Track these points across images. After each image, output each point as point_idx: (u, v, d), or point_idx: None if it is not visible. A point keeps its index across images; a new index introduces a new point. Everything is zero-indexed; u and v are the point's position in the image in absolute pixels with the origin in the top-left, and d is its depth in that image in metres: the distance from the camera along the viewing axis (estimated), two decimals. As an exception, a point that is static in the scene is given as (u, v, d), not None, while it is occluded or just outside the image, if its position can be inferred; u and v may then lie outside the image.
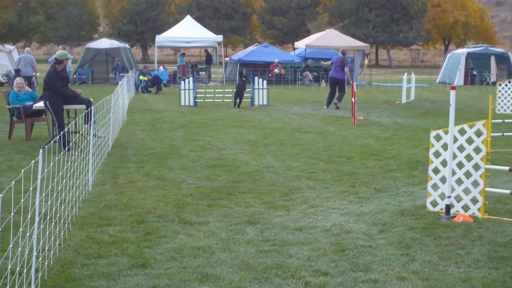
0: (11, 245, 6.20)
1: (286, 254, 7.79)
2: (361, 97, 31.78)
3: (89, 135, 11.81)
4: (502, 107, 25.67)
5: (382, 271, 7.26)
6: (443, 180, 9.79)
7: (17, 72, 29.39)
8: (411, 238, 8.46)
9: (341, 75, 27.09)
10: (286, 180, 12.07)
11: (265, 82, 28.43)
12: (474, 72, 47.43)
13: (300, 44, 48.10)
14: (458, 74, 46.91)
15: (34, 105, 16.50)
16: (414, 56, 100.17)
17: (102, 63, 44.68)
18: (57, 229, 7.96)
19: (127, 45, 45.75)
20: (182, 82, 28.45)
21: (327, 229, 8.85)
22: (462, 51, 49.27)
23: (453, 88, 9.64)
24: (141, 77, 36.58)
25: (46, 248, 7.27)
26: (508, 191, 10.01)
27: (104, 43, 44.74)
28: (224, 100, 28.70)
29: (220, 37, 45.89)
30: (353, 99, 21.29)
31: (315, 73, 45.78)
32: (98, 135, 14.02)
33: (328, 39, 45.96)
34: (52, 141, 14.55)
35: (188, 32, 44.88)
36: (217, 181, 11.97)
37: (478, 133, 9.59)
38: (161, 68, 43.27)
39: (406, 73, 32.56)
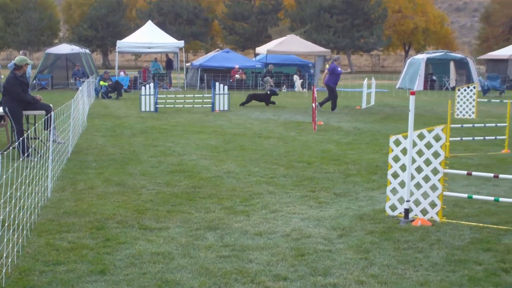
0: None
1: (246, 259, 7.80)
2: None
3: (49, 141, 11.73)
4: (461, 112, 25.94)
5: (341, 275, 7.29)
6: (402, 184, 9.87)
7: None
8: (370, 242, 8.51)
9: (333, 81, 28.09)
10: (246, 186, 12.09)
11: (226, 87, 28.44)
12: (434, 78, 47.83)
13: (261, 50, 48.23)
14: (418, 80, 47.28)
15: (-8, 111, 16.34)
16: (374, 61, 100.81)
17: (62, 69, 44.30)
18: (16, 236, 7.88)
19: (87, 51, 45.44)
20: (143, 87, 28.35)
21: (287, 234, 8.88)
22: (422, 56, 49.67)
23: (413, 93, 9.73)
24: (101, 82, 36.38)
25: (4, 255, 7.21)
26: (466, 195, 10.11)
27: (64, 48, 44.40)
28: (185, 105, 28.65)
29: (181, 43, 45.82)
30: (313, 104, 21.36)
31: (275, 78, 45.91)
32: (58, 141, 13.93)
33: (289, 45, 46.14)
34: (11, 147, 14.43)
35: (149, 37, 44.73)
36: (178, 186, 11.95)
37: (437, 138, 9.68)
38: (121, 73, 43.04)
39: (366, 79, 32.75)
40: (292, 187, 12.03)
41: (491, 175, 10.28)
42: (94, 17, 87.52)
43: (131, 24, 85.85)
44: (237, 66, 44.23)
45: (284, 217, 9.81)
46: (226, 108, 28.06)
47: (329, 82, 27.99)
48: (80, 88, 21.84)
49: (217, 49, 53.79)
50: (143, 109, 27.53)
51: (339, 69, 28.21)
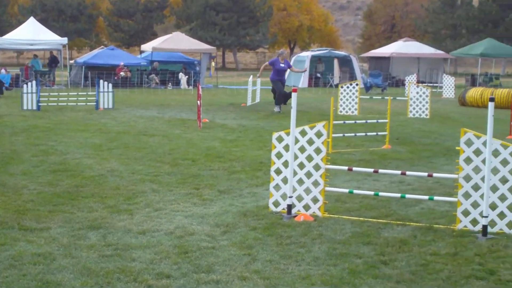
0: None
1: (128, 258, 7.74)
2: (207, 100, 31.93)
3: None
4: (344, 109, 26.41)
5: (225, 271, 7.32)
6: (285, 180, 9.98)
7: None
8: (253, 238, 8.58)
9: (279, 77, 27.44)
10: (130, 184, 11.99)
11: (110, 85, 28.12)
12: (318, 75, 48.54)
13: (147, 47, 47.91)
14: (303, 77, 47.91)
15: None
16: (260, 59, 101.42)
17: None
18: None
19: (-33, 48, 44.19)
20: (25, 85, 27.73)
21: (171, 232, 8.85)
22: (307, 54, 50.38)
23: (295, 90, 9.85)
24: (-19, 80, 35.42)
25: None
26: (347, 190, 10.33)
27: None
28: (69, 103, 28.19)
29: (64, 40, 44.94)
30: (198, 101, 21.36)
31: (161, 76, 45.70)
32: None
33: (175, 42, 45.99)
34: None
35: (32, 34, 43.68)
36: (60, 186, 11.75)
37: (319, 134, 9.83)
38: (2, 71, 41.96)
39: (251, 76, 32.93)
40: (176, 184, 12.00)
41: (371, 170, 10.53)
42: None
43: (13, 21, 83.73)
44: (122, 64, 43.83)
45: (168, 215, 9.78)
46: (110, 106, 27.73)
47: (270, 76, 27.61)
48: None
49: (102, 46, 53.18)
50: (25, 107, 26.91)
51: (281, 64, 27.23)
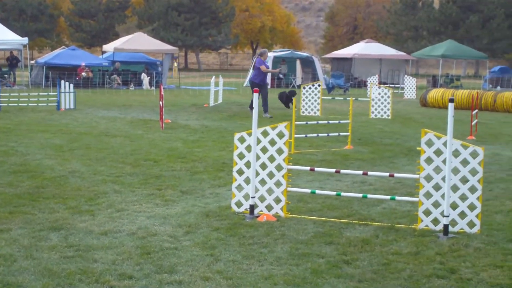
0: None
1: (90, 259, 7.69)
2: (170, 100, 31.89)
3: None
4: (306, 109, 26.49)
5: (187, 272, 7.31)
6: (247, 181, 9.98)
7: None
8: (216, 239, 8.57)
9: (260, 78, 25.48)
10: (92, 185, 11.91)
11: (72, 85, 27.93)
12: (281, 75, 48.61)
13: (109, 47, 47.67)
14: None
15: None
16: (222, 59, 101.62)
17: None
18: None
19: None
20: (-15, 85, 27.48)
21: (133, 233, 8.82)
22: (270, 55, 50.40)
23: (256, 91, 9.87)
24: None
25: None
26: (309, 190, 10.37)
27: None
28: (29, 104, 27.96)
29: (25, 40, 44.53)
30: (160, 102, 21.30)
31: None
32: None
33: (136, 43, 45.84)
34: None
35: (-9, 34, 43.33)
36: (20, 187, 11.63)
37: (281, 135, 9.85)
38: (-38, 71, 41.59)
39: (214, 77, 32.92)
40: (138, 185, 11.95)
41: (333, 170, 10.57)
42: None
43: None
44: (83, 64, 43.57)
45: (130, 216, 9.74)
46: (72, 107, 27.53)
47: (260, 80, 25.60)
48: None
49: (63, 47, 52.80)
50: (-15, 108, 26.66)
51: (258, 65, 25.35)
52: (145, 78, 44.85)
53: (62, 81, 27.87)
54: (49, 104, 27.81)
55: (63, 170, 13.26)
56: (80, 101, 29.70)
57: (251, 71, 50.29)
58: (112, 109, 27.68)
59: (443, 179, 9.06)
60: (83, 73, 43.13)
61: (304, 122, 18.41)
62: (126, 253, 7.91)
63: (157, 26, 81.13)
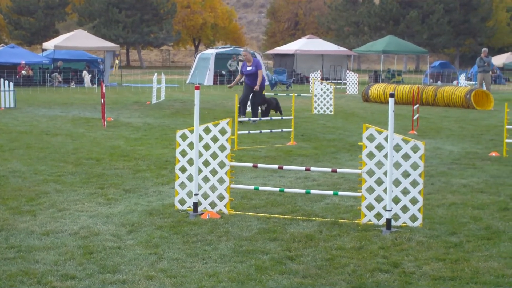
0: None
1: (32, 260, 7.59)
2: (112, 98, 31.65)
3: None
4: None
5: (131, 271, 7.26)
6: (190, 178, 9.94)
7: None
8: (159, 237, 8.52)
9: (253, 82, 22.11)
10: (32, 185, 11.75)
11: (11, 84, 27.54)
12: (224, 72, 48.56)
13: (49, 45, 47.10)
14: (208, 74, 47.95)
15: None
16: (165, 56, 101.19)
17: None
18: None
19: None
20: None
21: (75, 232, 8.72)
22: (211, 51, 50.38)
23: (197, 88, 9.82)
24: None
25: None
26: (253, 187, 10.38)
27: None
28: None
29: (-37, 38, 43.97)
30: (102, 100, 21.12)
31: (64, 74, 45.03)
32: None
33: (77, 40, 45.40)
34: None
35: None
36: (-41, 188, 11.45)
37: (223, 132, 9.83)
38: None
39: (156, 74, 32.76)
40: (80, 184, 11.83)
41: (276, 166, 10.59)
42: None
43: None
44: (23, 62, 42.99)
45: (72, 215, 9.63)
46: (12, 106, 27.16)
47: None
48: None
49: (2, 44, 52.01)
50: None
51: (248, 68, 21.93)
52: (86, 76, 44.45)
53: (2, 80, 27.49)
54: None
55: (3, 170, 13.06)
56: (20, 99, 29.33)
57: (192, 69, 50.34)
58: (53, 108, 27.36)
59: (385, 173, 9.13)
60: (23, 71, 42.57)
61: (247, 119, 18.40)
62: (68, 253, 7.82)
63: (98, 23, 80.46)
